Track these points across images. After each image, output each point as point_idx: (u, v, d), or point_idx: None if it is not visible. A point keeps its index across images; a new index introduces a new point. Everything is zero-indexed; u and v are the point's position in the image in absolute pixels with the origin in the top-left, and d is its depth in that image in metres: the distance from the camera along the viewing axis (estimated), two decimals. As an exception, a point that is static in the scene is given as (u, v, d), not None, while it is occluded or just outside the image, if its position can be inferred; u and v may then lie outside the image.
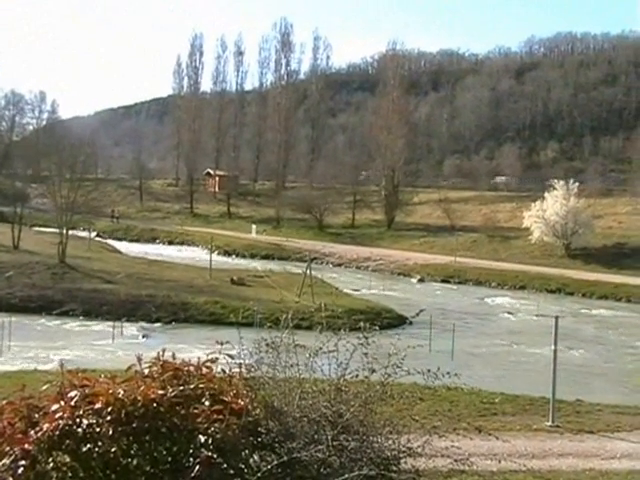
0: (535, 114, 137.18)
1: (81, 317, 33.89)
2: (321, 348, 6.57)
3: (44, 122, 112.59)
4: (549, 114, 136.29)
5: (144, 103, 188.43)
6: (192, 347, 24.22)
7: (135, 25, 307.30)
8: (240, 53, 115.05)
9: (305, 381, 6.40)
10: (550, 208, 60.11)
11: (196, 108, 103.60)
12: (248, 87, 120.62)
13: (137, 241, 73.87)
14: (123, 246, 65.27)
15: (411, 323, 30.86)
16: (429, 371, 6.70)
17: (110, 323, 31.71)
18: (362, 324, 6.90)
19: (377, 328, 7.09)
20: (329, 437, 5.64)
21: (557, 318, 16.23)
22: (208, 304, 35.64)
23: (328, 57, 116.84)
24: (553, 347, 16.06)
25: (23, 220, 54.00)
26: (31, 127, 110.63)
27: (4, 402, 5.20)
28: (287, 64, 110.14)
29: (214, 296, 37.23)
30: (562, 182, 61.83)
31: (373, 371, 6.53)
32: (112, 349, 27.63)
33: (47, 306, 34.56)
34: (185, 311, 34.95)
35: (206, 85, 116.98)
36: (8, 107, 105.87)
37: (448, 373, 6.81)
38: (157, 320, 33.93)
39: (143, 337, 30.81)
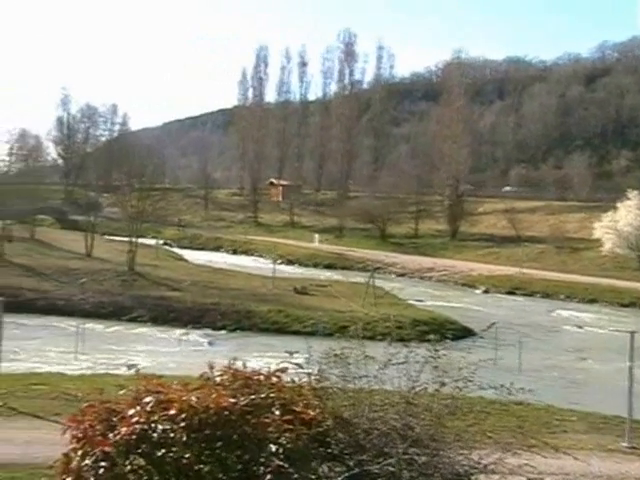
0: (606, 121, 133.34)
1: (149, 323, 34.55)
2: (390, 360, 6.53)
3: (115, 134, 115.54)
4: (622, 121, 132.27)
5: (210, 114, 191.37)
6: (256, 355, 24.41)
7: (201, 38, 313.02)
8: (304, 64, 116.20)
9: (375, 393, 6.37)
10: (623, 219, 58.30)
11: (260, 118, 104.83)
12: (311, 97, 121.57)
13: (202, 249, 74.96)
14: (188, 254, 66.27)
15: (476, 335, 30.42)
16: (502, 386, 6.58)
17: (177, 330, 32.28)
18: (431, 336, 6.84)
19: (447, 340, 7.01)
20: (400, 450, 5.60)
21: (633, 334, 15.66)
22: (271, 313, 35.86)
23: (391, 66, 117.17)
24: (628, 364, 15.49)
25: (95, 229, 55.54)
26: (103, 139, 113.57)
27: (85, 405, 5.37)
28: (350, 74, 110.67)
29: (277, 305, 37.45)
30: (636, 192, 59.85)
31: (443, 384, 6.44)
32: (178, 355, 28.06)
33: (117, 312, 35.40)
34: (249, 319, 35.24)
35: (270, 96, 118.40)
36: (83, 120, 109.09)
37: (522, 389, 6.68)
38: (222, 328, 34.30)
39: (209, 344, 31.20)
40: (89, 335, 28.81)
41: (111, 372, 22.47)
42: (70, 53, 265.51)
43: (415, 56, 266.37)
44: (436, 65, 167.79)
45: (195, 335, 32.53)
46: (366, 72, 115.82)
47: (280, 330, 33.68)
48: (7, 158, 59.69)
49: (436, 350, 6.49)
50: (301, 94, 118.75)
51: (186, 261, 59.62)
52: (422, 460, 5.71)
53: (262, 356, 22.58)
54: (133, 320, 34.84)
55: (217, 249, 75.81)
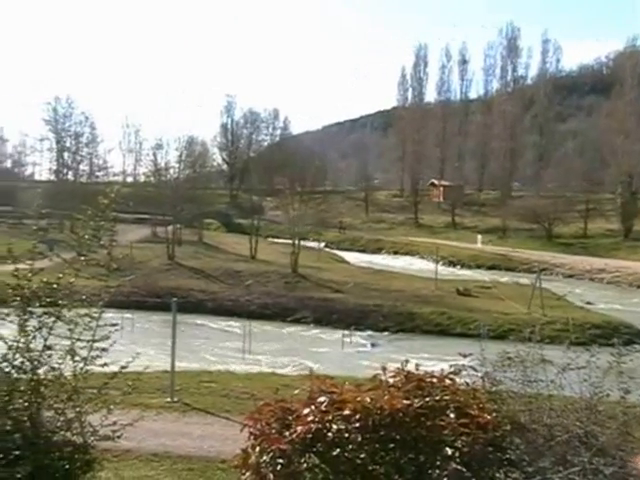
0: None
1: (312, 324, 35.21)
2: (569, 364, 6.21)
3: (277, 138, 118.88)
4: None
5: (369, 116, 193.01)
6: (420, 357, 24.19)
7: (360, 40, 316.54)
8: (464, 62, 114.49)
9: (553, 398, 6.08)
10: None
11: (420, 119, 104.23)
12: (472, 95, 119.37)
13: (363, 251, 75.49)
14: (350, 256, 66.98)
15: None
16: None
17: (339, 331, 32.68)
18: (615, 340, 6.43)
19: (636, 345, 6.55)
20: (584, 459, 5.30)
21: None
22: (434, 314, 35.47)
23: (558, 60, 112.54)
24: None
25: (259, 231, 57.53)
26: (266, 143, 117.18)
27: (261, 403, 5.51)
28: (513, 70, 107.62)
29: (440, 306, 36.98)
30: None
31: (627, 391, 6.04)
32: (342, 356, 28.39)
33: (281, 313, 36.39)
34: (411, 321, 35.05)
35: (430, 95, 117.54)
36: (246, 125, 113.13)
37: None
38: (384, 329, 34.33)
39: (371, 345, 31.34)
40: (255, 335, 29.79)
41: (276, 372, 23.16)
42: (234, 60, 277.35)
43: (583, 47, 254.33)
44: (607, 56, 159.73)
45: (358, 337, 32.78)
46: (530, 67, 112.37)
47: (443, 332, 33.28)
48: (177, 165, 63.10)
49: (619, 354, 6.10)
50: (462, 92, 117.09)
51: (348, 263, 60.29)
52: (609, 471, 5.36)
53: (428, 358, 22.33)
54: (297, 321, 35.65)
55: (378, 251, 76.08)
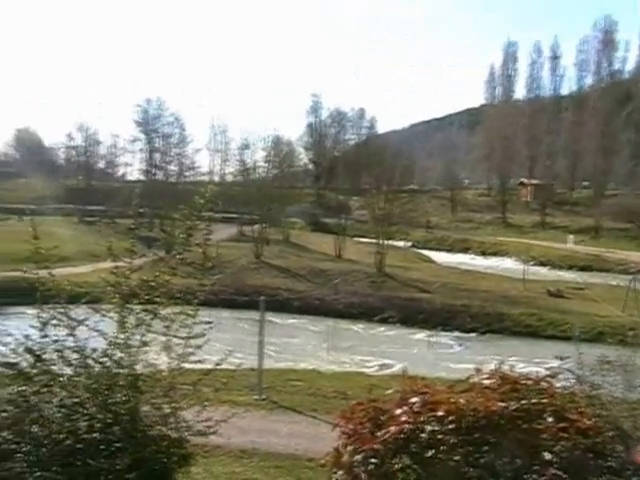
0: None
1: (398, 324, 35.00)
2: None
3: (363, 137, 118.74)
4: None
5: (456, 114, 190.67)
6: (509, 359, 23.67)
7: (445, 36, 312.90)
8: (556, 57, 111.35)
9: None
10: None
11: (508, 116, 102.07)
12: (564, 92, 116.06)
13: (449, 251, 74.62)
14: (436, 256, 66.30)
15: None
16: None
17: (425, 331, 32.38)
18: None
19: None
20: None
21: None
22: (524, 316, 34.68)
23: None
24: None
25: (345, 231, 57.65)
26: (352, 143, 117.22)
27: (353, 403, 5.50)
28: (609, 64, 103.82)
29: (530, 308, 36.13)
30: None
31: None
32: (429, 357, 28.11)
33: (367, 312, 36.31)
34: (500, 322, 34.37)
35: (519, 93, 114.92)
36: (333, 125, 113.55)
37: None
38: (472, 330, 33.81)
39: (459, 346, 30.94)
40: (340, 335, 29.85)
41: (362, 371, 23.13)
42: (321, 59, 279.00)
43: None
44: None
45: (444, 337, 32.41)
46: (627, 61, 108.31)
47: (533, 334, 32.50)
48: (264, 165, 64.05)
49: None
50: (553, 89, 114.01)
51: (434, 262, 59.71)
52: None
53: (519, 360, 21.81)
54: (383, 321, 35.50)
55: (465, 251, 75.03)
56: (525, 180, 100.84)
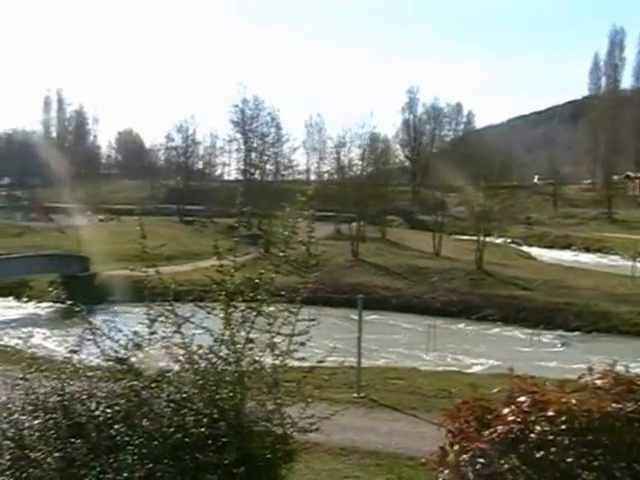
0: None
1: (498, 322, 34.39)
2: None
3: (460, 133, 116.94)
4: None
5: (557, 107, 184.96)
6: (619, 360, 22.81)
7: (548, 23, 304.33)
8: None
9: None
10: None
11: (615, 107, 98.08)
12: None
13: (551, 247, 72.48)
14: (537, 252, 64.65)
15: None
16: None
17: (526, 330, 31.64)
18: None
19: None
20: None
21: None
22: (632, 314, 33.39)
23: None
24: None
25: (442, 228, 56.99)
26: (448, 139, 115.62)
27: (459, 401, 5.42)
28: None
29: (638, 306, 34.72)
30: None
31: None
32: (530, 356, 27.46)
33: (466, 310, 35.84)
34: (606, 321, 33.22)
35: (626, 82, 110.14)
36: (429, 121, 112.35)
37: None
38: (575, 329, 32.87)
39: (562, 345, 30.09)
40: (439, 333, 29.53)
41: (462, 370, 22.83)
42: (417, 56, 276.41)
43: None
44: None
45: (546, 336, 31.59)
46: None
47: (643, 333, 31.26)
48: (360, 162, 63.96)
49: None
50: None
51: (535, 259, 58.25)
52: None
53: (630, 361, 21.00)
54: (482, 319, 34.96)
55: (567, 247, 72.67)
56: (632, 174, 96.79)
